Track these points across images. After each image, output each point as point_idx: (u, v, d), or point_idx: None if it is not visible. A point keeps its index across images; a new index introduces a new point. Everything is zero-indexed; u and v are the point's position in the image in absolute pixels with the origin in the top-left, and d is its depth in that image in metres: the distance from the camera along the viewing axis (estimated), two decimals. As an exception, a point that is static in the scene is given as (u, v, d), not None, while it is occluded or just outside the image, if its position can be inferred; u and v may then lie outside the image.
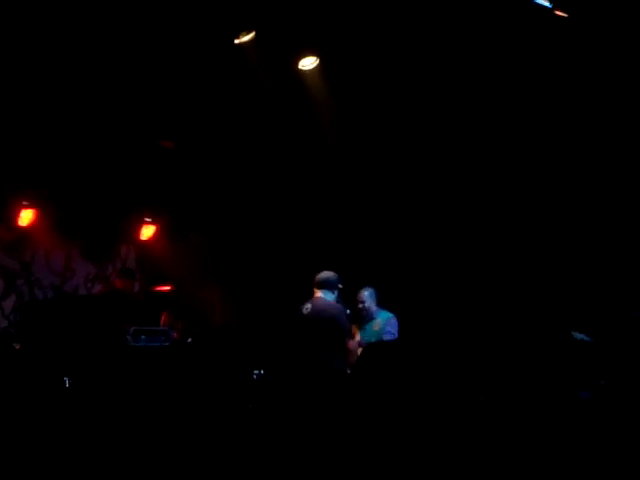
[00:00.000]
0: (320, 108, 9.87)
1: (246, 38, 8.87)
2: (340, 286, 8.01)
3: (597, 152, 9.00)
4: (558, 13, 7.59)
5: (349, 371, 7.33)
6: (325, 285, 7.91)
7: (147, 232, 12.52)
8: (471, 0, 7.86)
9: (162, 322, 10.75)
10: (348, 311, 7.95)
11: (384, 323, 8.57)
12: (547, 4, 7.53)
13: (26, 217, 11.17)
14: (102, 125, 9.99)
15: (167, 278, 11.79)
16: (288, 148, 10.71)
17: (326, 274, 7.99)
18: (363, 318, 8.67)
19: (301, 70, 9.52)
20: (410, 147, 10.32)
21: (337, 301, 7.93)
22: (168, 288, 11.60)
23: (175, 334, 9.69)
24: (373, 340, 8.29)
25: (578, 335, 5.86)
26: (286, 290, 10.78)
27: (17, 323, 10.43)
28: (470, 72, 9.00)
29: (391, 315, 8.67)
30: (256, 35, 8.82)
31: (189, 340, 8.46)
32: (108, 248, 12.30)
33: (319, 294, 7.88)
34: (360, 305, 8.66)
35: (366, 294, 8.72)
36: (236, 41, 8.89)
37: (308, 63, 9.45)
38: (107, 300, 8.91)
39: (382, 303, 8.81)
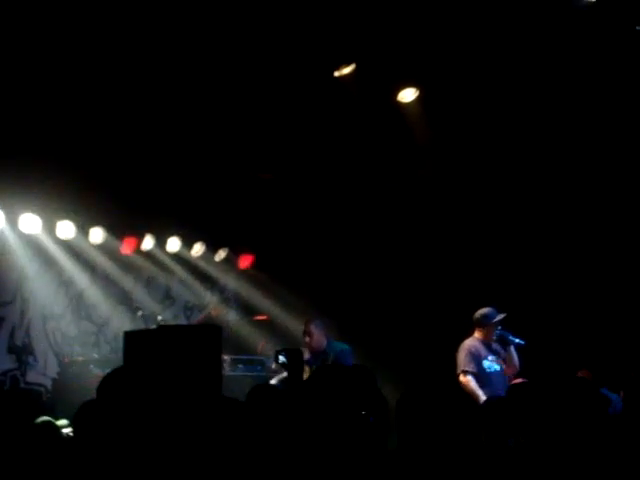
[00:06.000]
0: (418, 139, 9.82)
1: (346, 71, 8.91)
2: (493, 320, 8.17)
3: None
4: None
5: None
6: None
7: (245, 261, 12.65)
8: (576, 31, 7.72)
9: (259, 351, 10.81)
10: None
11: (337, 357, 8.03)
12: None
13: (128, 245, 11.40)
14: (203, 158, 10.14)
15: (264, 307, 11.85)
16: (386, 178, 10.67)
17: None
18: (311, 351, 8.24)
19: (400, 102, 9.50)
20: (507, 175, 10.19)
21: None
22: (265, 317, 11.65)
23: (272, 364, 9.72)
24: None
25: None
26: (386, 322, 10.74)
27: (119, 350, 10.61)
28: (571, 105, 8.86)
29: (345, 347, 8.24)
30: (356, 68, 8.85)
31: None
32: (207, 277, 12.43)
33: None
34: (307, 338, 8.31)
35: (312, 325, 8.33)
36: (336, 74, 8.94)
37: (408, 95, 9.42)
38: (204, 330, 8.99)
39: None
